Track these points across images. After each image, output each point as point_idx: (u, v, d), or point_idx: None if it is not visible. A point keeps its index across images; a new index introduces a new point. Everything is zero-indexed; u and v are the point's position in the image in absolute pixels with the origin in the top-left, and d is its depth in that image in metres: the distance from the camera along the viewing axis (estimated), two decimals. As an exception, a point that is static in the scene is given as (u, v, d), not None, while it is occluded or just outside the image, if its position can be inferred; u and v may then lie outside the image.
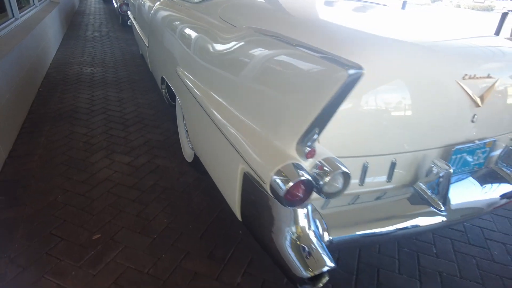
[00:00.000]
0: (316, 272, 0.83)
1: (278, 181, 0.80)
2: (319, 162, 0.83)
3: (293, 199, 0.80)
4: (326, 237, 0.99)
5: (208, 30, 1.52)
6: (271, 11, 1.55)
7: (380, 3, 2.28)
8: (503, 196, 1.35)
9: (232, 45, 1.22)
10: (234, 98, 1.17)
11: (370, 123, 1.07)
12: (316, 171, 0.83)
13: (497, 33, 4.28)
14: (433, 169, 1.20)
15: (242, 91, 1.13)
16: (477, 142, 1.30)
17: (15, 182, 1.90)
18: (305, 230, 0.89)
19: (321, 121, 0.78)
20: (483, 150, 1.34)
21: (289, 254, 0.87)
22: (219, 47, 1.33)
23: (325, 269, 0.83)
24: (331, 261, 0.86)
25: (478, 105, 1.23)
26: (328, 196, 0.85)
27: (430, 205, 1.18)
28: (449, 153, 1.25)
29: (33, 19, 3.81)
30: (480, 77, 1.23)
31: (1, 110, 2.14)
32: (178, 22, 1.90)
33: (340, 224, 1.05)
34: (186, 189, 1.93)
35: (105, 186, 1.91)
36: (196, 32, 1.62)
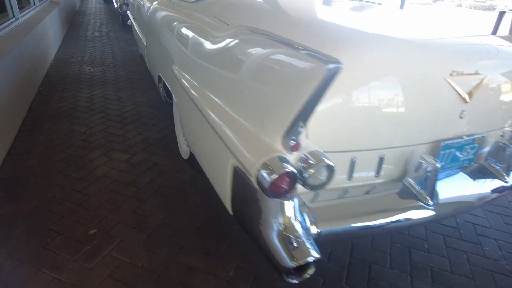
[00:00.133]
0: (301, 262, 0.85)
1: (264, 173, 0.83)
2: (304, 155, 0.86)
3: (278, 191, 0.83)
4: (314, 230, 1.01)
5: (202, 28, 1.55)
6: (265, 10, 1.57)
7: (375, 2, 2.30)
8: (492, 192, 1.37)
9: (222, 42, 1.25)
10: (225, 94, 1.20)
11: (358, 119, 1.09)
12: (301, 164, 0.86)
13: (495, 31, 4.30)
14: (421, 164, 1.22)
15: (231, 88, 1.16)
16: (465, 138, 1.32)
17: (14, 179, 1.93)
18: (292, 222, 0.92)
19: (304, 115, 0.80)
20: (472, 146, 1.36)
21: (276, 244, 0.89)
22: (211, 45, 1.35)
23: (310, 259, 0.86)
24: (317, 252, 0.88)
25: (466, 101, 1.25)
26: (313, 188, 0.87)
27: (418, 199, 1.20)
28: (438, 148, 1.27)
29: (33, 19, 3.85)
30: (468, 74, 1.25)
31: (1, 108, 2.18)
32: (174, 21, 1.93)
33: (329, 218, 1.07)
34: (182, 186, 1.96)
35: (102, 182, 1.94)
36: (191, 31, 1.65)
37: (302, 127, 0.82)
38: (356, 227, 1.08)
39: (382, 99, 1.12)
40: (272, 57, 0.97)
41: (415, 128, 1.21)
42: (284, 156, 0.85)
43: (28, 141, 2.33)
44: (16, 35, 3.00)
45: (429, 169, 1.18)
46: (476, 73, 1.26)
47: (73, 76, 3.71)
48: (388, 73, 1.13)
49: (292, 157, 0.87)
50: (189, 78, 1.56)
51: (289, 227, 0.91)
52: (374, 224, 1.11)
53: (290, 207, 0.93)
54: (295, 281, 0.91)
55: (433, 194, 1.20)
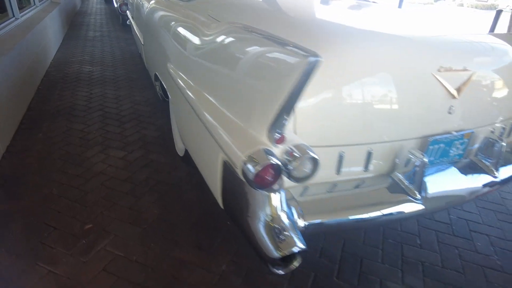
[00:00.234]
0: (286, 252, 0.87)
1: (249, 165, 0.85)
2: (289, 148, 0.88)
3: (263, 182, 0.85)
4: (301, 222, 1.03)
5: (194, 26, 1.57)
6: (259, 9, 1.59)
7: (370, 0, 2.32)
8: (481, 187, 1.38)
9: (212, 39, 1.28)
10: (215, 90, 1.22)
11: (345, 113, 1.11)
12: (286, 156, 0.88)
13: (492, 29, 4.31)
14: (410, 159, 1.24)
15: (221, 83, 1.18)
16: (454, 133, 1.33)
17: (12, 176, 1.96)
18: (278, 213, 0.94)
19: (287, 108, 0.82)
20: (461, 141, 1.37)
21: (262, 235, 0.91)
22: (202, 42, 1.38)
23: (296, 249, 0.88)
24: (302, 243, 0.90)
25: (454, 97, 1.27)
26: (298, 180, 0.89)
27: (406, 194, 1.22)
28: (426, 143, 1.28)
29: (33, 19, 3.89)
30: (456, 70, 1.26)
31: (0, 107, 2.21)
32: (168, 20, 1.96)
33: (317, 211, 1.09)
34: (178, 183, 1.98)
35: (99, 179, 1.96)
36: (185, 29, 1.67)
37: (286, 120, 0.84)
38: (343, 220, 1.10)
39: (369, 94, 1.14)
40: (257, 52, 0.99)
41: (403, 123, 1.23)
42: (269, 148, 0.87)
43: (27, 139, 2.36)
44: (15, 35, 3.03)
45: (417, 163, 1.20)
46: (465, 69, 1.28)
47: (73, 75, 3.75)
48: (376, 68, 1.14)
49: (278, 150, 0.89)
50: (182, 75, 1.58)
51: (275, 218, 0.93)
52: (361, 218, 1.13)
53: (277, 199, 0.95)
54: (281, 272, 0.93)
55: (421, 188, 1.22)
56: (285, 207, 0.95)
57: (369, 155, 1.21)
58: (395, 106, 1.18)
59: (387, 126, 1.19)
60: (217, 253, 1.52)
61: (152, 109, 2.97)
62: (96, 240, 1.53)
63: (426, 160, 1.18)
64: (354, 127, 1.14)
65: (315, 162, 0.87)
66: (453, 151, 1.39)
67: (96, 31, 6.23)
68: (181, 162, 2.17)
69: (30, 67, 3.11)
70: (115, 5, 6.55)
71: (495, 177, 1.39)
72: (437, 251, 1.64)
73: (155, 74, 2.31)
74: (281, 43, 0.88)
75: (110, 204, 1.77)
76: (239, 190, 1.01)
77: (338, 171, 1.18)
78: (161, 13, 2.21)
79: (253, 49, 1.02)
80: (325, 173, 1.16)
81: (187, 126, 1.57)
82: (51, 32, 4.39)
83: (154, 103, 3.09)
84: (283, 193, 0.97)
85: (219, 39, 1.23)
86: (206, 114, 1.17)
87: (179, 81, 1.54)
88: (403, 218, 1.34)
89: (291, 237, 0.90)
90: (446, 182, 1.34)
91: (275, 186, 0.88)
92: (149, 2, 2.64)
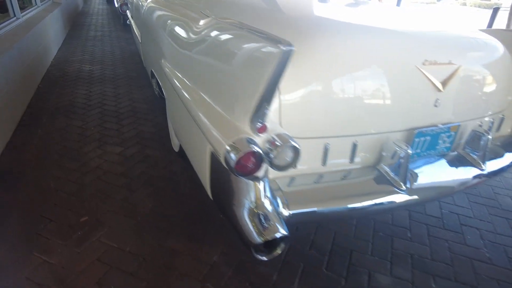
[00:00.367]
0: (269, 238, 0.90)
1: (231, 153, 0.88)
2: (272, 137, 0.91)
3: (244, 170, 0.88)
4: (286, 212, 1.05)
5: (186, 23, 1.60)
6: (250, 4, 1.62)
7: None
8: (467, 179, 1.40)
9: (200, 34, 1.31)
10: (202, 83, 1.25)
11: (330, 106, 1.14)
12: (268, 145, 0.90)
13: (489, 27, 4.33)
14: (395, 151, 1.26)
15: (209, 77, 1.21)
16: (440, 126, 1.35)
17: (10, 170, 2.00)
18: (262, 200, 0.96)
19: (267, 97, 0.85)
20: (448, 134, 1.39)
21: (246, 221, 0.94)
22: (192, 37, 1.41)
23: (278, 235, 0.90)
24: (284, 229, 0.93)
25: (439, 90, 1.29)
26: (280, 169, 0.92)
27: (392, 185, 1.24)
28: (412, 135, 1.30)
29: (34, 18, 3.94)
30: (441, 64, 1.28)
31: (0, 104, 2.25)
32: (163, 18, 1.99)
33: (302, 201, 1.12)
34: (173, 177, 2.01)
35: (95, 173, 2.00)
36: (178, 26, 1.70)
37: (267, 109, 0.87)
38: (328, 210, 1.12)
39: (354, 87, 1.16)
40: (238, 45, 1.03)
41: (388, 115, 1.25)
42: (250, 137, 0.90)
43: (26, 136, 2.40)
44: (16, 34, 3.08)
45: (401, 155, 1.22)
46: (450, 63, 1.30)
47: (73, 74, 3.80)
48: (361, 61, 1.17)
49: (260, 139, 0.92)
50: (175, 71, 1.61)
51: (259, 205, 0.96)
52: (347, 208, 1.16)
53: (261, 187, 0.98)
54: (264, 258, 0.96)
55: (406, 179, 1.24)
56: (269, 194, 0.98)
57: (354, 147, 1.23)
58: (380, 99, 1.20)
59: (372, 118, 1.22)
60: (209, 244, 1.55)
61: (149, 107, 3.00)
62: (91, 232, 1.57)
63: (410, 151, 1.20)
64: (339, 119, 1.16)
65: (296, 150, 0.90)
66: (440, 144, 1.41)
67: (97, 31, 6.29)
68: (177, 157, 2.20)
69: (31, 66, 3.16)
70: (116, 5, 6.62)
71: (482, 169, 1.41)
72: (427, 244, 1.66)
73: (151, 71, 2.35)
74: (259, 35, 0.91)
75: (106, 197, 1.81)
76: (225, 179, 1.04)
77: (324, 162, 1.20)
78: (156, 11, 2.25)
79: (235, 42, 1.05)
80: (311, 164, 1.19)
81: (179, 120, 1.60)
82: (52, 32, 4.44)
83: (152, 101, 3.13)
84: (267, 181, 0.99)
85: (207, 34, 1.26)
86: (196, 108, 1.20)
87: (172, 77, 1.58)
88: (389, 209, 1.36)
89: (274, 224, 0.93)
90: (433, 174, 1.36)
91: (259, 174, 0.91)
92: (146, 1, 2.68)
